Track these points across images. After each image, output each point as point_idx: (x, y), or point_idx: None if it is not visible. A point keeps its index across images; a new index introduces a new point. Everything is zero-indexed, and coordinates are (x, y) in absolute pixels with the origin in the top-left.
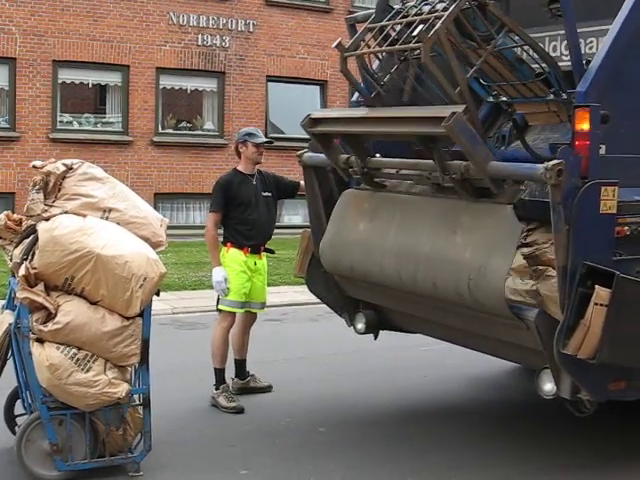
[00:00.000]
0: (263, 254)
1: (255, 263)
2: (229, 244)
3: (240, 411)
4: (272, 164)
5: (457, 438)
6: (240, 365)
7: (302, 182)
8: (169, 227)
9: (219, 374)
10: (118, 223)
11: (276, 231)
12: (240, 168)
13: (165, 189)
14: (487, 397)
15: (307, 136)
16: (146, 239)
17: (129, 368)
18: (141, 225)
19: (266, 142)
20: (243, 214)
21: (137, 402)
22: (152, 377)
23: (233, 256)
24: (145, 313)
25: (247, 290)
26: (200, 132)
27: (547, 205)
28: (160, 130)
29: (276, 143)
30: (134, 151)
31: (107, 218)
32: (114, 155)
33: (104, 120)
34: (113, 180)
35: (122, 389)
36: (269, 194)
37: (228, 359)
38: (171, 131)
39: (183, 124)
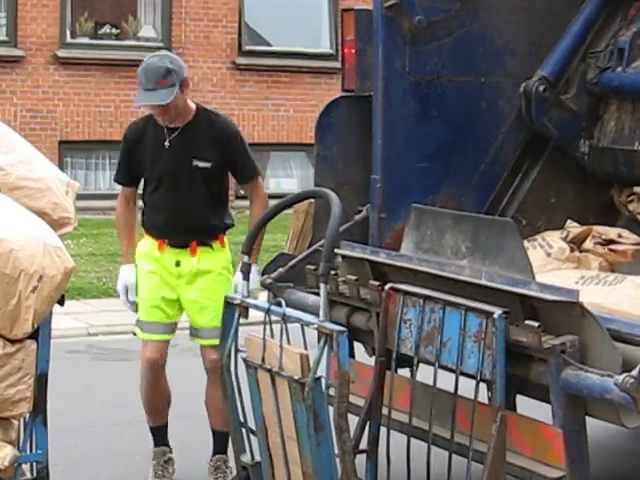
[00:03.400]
0: (203, 250)
1: (178, 264)
2: (145, 230)
3: None
4: (250, 93)
5: None
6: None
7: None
8: (82, 196)
9: (153, 434)
10: None
11: None
12: None
13: (76, 135)
14: None
15: (304, 50)
16: (43, 214)
17: (15, 421)
18: (35, 192)
19: (145, 105)
20: (151, 192)
21: (28, 476)
22: (53, 436)
23: (144, 247)
24: (41, 333)
25: (160, 302)
26: (133, 42)
27: None
28: (68, 39)
29: (256, 61)
30: (26, 73)
31: None
32: None
33: None
34: None
35: (4, 455)
36: (204, 164)
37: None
38: (87, 41)
39: (105, 30)
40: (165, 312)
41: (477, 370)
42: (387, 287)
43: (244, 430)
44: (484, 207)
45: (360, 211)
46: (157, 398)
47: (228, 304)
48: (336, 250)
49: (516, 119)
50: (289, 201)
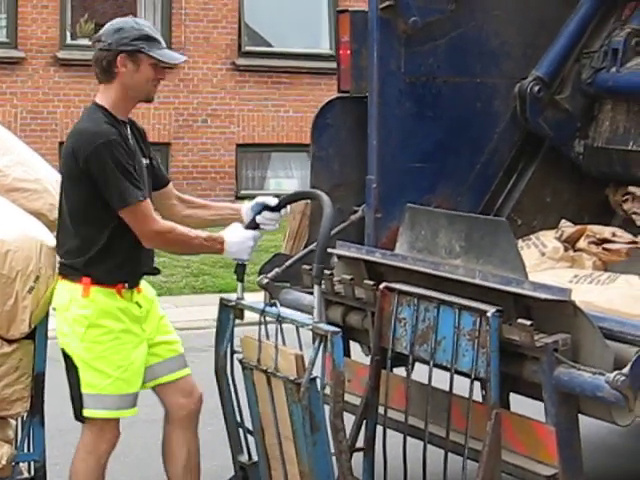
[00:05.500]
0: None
1: (139, 304)
2: (87, 280)
3: None
4: (249, 94)
5: None
6: None
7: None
8: None
9: None
10: None
11: None
12: (109, 106)
13: None
14: None
15: (304, 51)
16: (40, 215)
17: (12, 420)
18: (32, 193)
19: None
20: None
21: (25, 475)
22: (52, 436)
23: (101, 302)
24: (38, 333)
25: (138, 365)
26: None
27: None
28: (69, 41)
29: (256, 62)
30: (27, 74)
31: None
32: None
33: None
34: None
35: (1, 454)
36: (150, 162)
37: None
38: (87, 42)
39: None
40: (136, 377)
41: (471, 368)
42: (382, 286)
43: (241, 430)
44: (480, 207)
45: (356, 211)
46: None
47: (223, 306)
48: (332, 250)
49: (511, 119)
50: (282, 202)
